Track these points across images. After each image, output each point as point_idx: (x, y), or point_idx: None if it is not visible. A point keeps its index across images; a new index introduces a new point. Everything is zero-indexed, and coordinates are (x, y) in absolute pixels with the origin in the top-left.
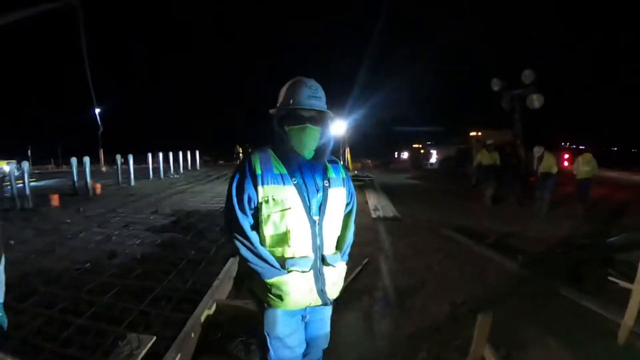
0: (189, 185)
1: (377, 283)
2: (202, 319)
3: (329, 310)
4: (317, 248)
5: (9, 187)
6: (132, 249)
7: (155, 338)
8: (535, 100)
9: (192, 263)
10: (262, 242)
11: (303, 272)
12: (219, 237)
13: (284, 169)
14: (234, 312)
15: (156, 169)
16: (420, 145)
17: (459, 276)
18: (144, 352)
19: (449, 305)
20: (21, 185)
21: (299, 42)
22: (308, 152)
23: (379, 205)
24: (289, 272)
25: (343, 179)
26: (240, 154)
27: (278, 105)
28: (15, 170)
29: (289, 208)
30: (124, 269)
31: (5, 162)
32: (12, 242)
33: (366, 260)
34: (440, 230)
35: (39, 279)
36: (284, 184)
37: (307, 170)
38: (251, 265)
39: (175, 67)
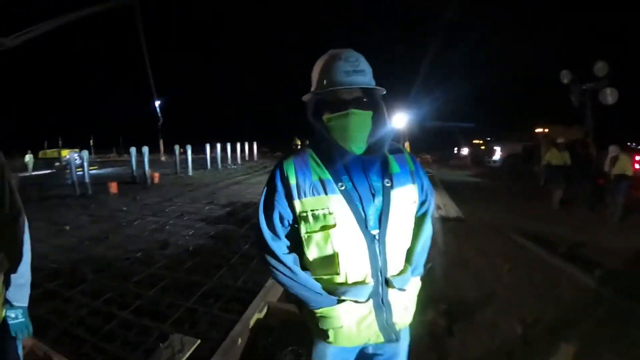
0: (246, 176)
1: (442, 293)
2: (252, 322)
3: (402, 345)
4: (379, 271)
5: (72, 174)
6: (185, 240)
7: (199, 342)
8: (609, 95)
9: (245, 258)
10: (306, 266)
11: (359, 302)
12: None
13: (327, 173)
14: (286, 317)
15: (214, 159)
16: (482, 141)
17: (530, 289)
18: (186, 356)
19: (520, 324)
20: (81, 172)
21: (363, 33)
22: (357, 146)
23: (440, 203)
24: (340, 301)
25: (412, 172)
26: (299, 146)
27: (312, 90)
28: (77, 159)
29: (334, 225)
30: (174, 260)
31: (68, 151)
32: (67, 227)
33: (429, 265)
34: (506, 234)
35: (89, 267)
36: (326, 193)
37: (358, 170)
38: (292, 292)
39: (235, 58)
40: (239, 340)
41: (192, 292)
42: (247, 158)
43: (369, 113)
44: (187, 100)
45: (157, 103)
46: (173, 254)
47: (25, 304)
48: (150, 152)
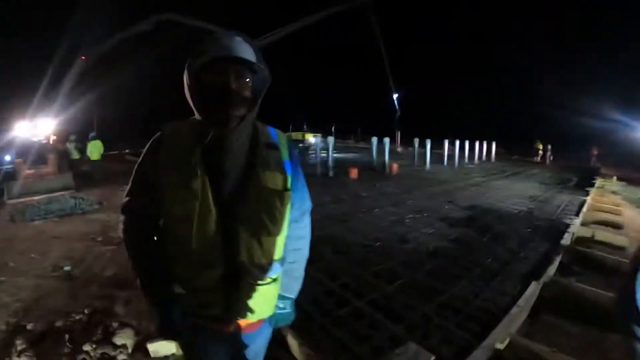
0: (484, 178)
1: None
2: (490, 352)
3: None
4: None
5: (314, 155)
6: (425, 238)
7: (433, 358)
8: None
9: (487, 272)
10: None
11: None
12: (518, 248)
13: None
14: (528, 357)
15: (450, 156)
16: None
17: None
18: None
19: None
20: (324, 155)
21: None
22: None
23: None
24: None
25: None
26: (540, 151)
27: None
28: (321, 143)
29: None
30: (414, 259)
31: (312, 134)
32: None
33: None
34: None
35: (329, 246)
36: None
37: None
38: None
39: (475, 54)
40: None
41: (430, 298)
42: (484, 158)
43: None
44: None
45: (395, 96)
46: (413, 251)
47: (295, 296)
48: (382, 141)
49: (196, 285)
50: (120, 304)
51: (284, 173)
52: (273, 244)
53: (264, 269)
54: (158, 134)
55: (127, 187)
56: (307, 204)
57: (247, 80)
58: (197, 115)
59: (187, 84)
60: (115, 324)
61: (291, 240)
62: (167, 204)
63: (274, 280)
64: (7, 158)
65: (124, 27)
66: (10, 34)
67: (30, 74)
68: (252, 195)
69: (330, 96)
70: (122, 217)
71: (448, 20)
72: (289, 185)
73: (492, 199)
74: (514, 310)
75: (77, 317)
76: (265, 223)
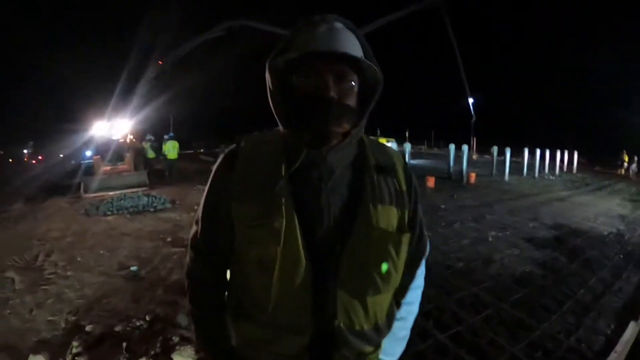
0: (568, 192)
1: None
2: None
3: None
4: None
5: None
6: (510, 261)
7: None
8: None
9: (580, 307)
10: None
11: None
12: (611, 278)
13: None
14: None
15: (530, 165)
16: None
17: None
18: None
19: None
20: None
21: None
22: None
23: None
24: None
25: None
26: (626, 163)
27: None
28: (396, 148)
29: None
30: (499, 285)
31: (386, 139)
32: None
33: None
34: None
35: None
36: None
37: None
38: None
39: (556, 56)
40: None
41: (518, 335)
42: (565, 169)
43: None
44: (503, 99)
45: (471, 101)
46: (498, 276)
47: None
48: (460, 148)
49: (274, 353)
50: (183, 313)
51: (401, 207)
52: (381, 304)
53: (365, 338)
54: (233, 146)
55: (196, 214)
56: (425, 246)
57: (352, 83)
58: (282, 129)
59: (270, 88)
60: (175, 338)
61: (401, 291)
62: (240, 245)
63: (376, 348)
64: (88, 153)
65: (200, 31)
66: (91, 39)
67: (109, 76)
68: (358, 239)
69: (403, 99)
70: (188, 254)
71: (526, 21)
72: (406, 223)
73: (578, 217)
74: (612, 356)
75: (138, 323)
76: (374, 279)
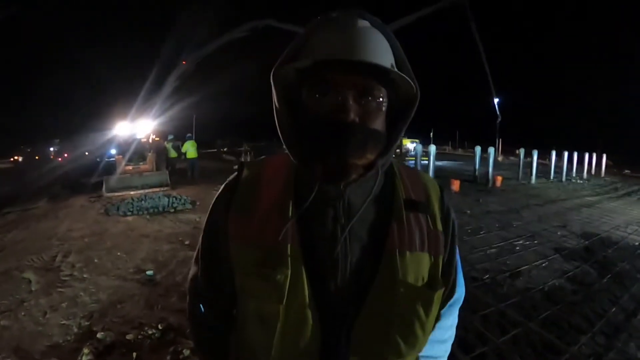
0: (597, 197)
1: None
2: None
3: None
4: None
5: (412, 162)
6: (538, 273)
7: None
8: None
9: (610, 326)
10: None
11: None
12: None
13: None
14: None
15: (558, 169)
16: None
17: None
18: None
19: None
20: (425, 162)
21: None
22: None
23: None
24: None
25: None
26: None
27: None
28: (420, 149)
29: None
30: (527, 301)
31: (409, 140)
32: None
33: None
34: None
35: None
36: None
37: None
38: None
39: (577, 56)
40: None
41: (544, 356)
42: (593, 172)
43: None
44: (529, 99)
45: (496, 101)
46: (525, 290)
47: None
48: (485, 150)
49: None
50: None
51: (435, 253)
52: None
53: None
54: (233, 175)
55: (195, 253)
56: (459, 291)
57: (380, 100)
58: (291, 157)
59: (275, 105)
60: (186, 351)
61: (427, 345)
62: (239, 294)
63: None
64: (113, 152)
65: (224, 32)
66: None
67: (134, 77)
68: (379, 297)
69: (428, 99)
70: (189, 297)
71: (554, 20)
72: (440, 273)
73: (608, 225)
74: None
75: (150, 332)
76: (396, 344)
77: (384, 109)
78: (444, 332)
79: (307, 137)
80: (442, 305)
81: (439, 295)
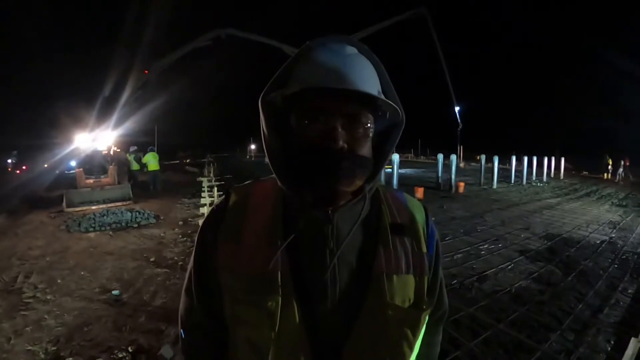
0: (557, 199)
1: None
2: None
3: None
4: None
5: None
6: (504, 276)
7: None
8: None
9: (578, 324)
10: None
11: None
12: (608, 290)
13: None
14: None
15: (518, 173)
16: None
17: None
18: None
19: None
20: (390, 170)
21: None
22: None
23: None
24: None
25: None
26: (610, 166)
27: None
28: None
29: None
30: (495, 303)
31: None
32: None
33: None
34: None
35: None
36: None
37: None
38: None
39: (533, 63)
40: None
41: (518, 359)
42: (552, 175)
43: None
44: (488, 106)
45: (457, 109)
46: (493, 293)
47: None
48: (447, 157)
49: None
50: (168, 344)
51: (419, 274)
52: None
53: None
54: (222, 199)
55: (185, 283)
56: (444, 307)
57: (367, 126)
58: (279, 182)
59: (263, 131)
60: None
61: None
62: (229, 321)
63: None
64: (73, 164)
65: (186, 41)
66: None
67: (93, 86)
68: (369, 321)
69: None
70: (183, 332)
71: (511, 29)
72: (425, 293)
73: (569, 225)
74: None
75: (120, 355)
76: None
77: (370, 134)
78: (433, 349)
79: (296, 164)
80: (431, 323)
81: (425, 315)
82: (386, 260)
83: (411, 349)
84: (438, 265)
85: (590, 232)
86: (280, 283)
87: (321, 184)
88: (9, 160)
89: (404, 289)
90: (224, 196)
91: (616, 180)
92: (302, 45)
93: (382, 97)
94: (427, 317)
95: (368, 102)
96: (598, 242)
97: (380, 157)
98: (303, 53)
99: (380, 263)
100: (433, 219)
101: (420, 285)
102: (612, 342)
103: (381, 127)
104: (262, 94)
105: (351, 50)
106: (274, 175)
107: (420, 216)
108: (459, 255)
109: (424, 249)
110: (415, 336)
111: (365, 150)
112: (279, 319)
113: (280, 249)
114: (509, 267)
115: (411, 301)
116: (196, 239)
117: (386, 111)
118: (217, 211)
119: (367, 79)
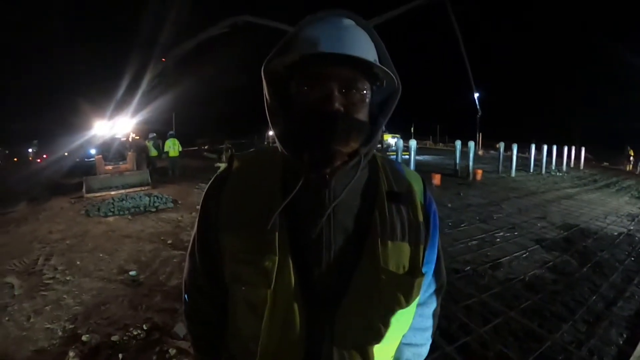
0: (575, 189)
1: None
2: None
3: None
4: None
5: (393, 157)
6: (519, 264)
7: None
8: None
9: (591, 315)
10: None
11: None
12: (623, 283)
13: None
14: None
15: (537, 162)
16: None
17: None
18: None
19: None
20: (406, 157)
21: None
22: None
23: None
24: None
25: None
26: (631, 158)
27: None
28: (401, 144)
29: None
30: (508, 291)
31: (390, 135)
32: None
33: None
34: None
35: None
36: None
37: None
38: None
39: (556, 52)
40: None
41: (527, 347)
42: (572, 165)
43: None
44: (508, 95)
45: (476, 95)
46: (506, 280)
47: None
48: (466, 144)
49: None
50: (181, 322)
51: (415, 243)
52: (386, 352)
53: None
54: (223, 168)
55: (189, 247)
56: (441, 280)
57: (363, 92)
58: (280, 147)
59: (266, 98)
60: (172, 350)
61: (408, 332)
62: (229, 282)
63: None
64: (93, 151)
65: (204, 28)
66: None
67: (112, 75)
68: (361, 284)
69: (408, 94)
70: (186, 294)
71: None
72: (421, 262)
73: (587, 216)
74: None
75: (135, 333)
76: (378, 329)
77: (367, 100)
78: (426, 320)
79: (296, 128)
80: (424, 293)
81: (419, 282)
82: (381, 226)
83: (404, 316)
84: (435, 235)
85: (608, 224)
86: (277, 243)
87: (317, 144)
88: (30, 150)
89: (398, 255)
90: (227, 164)
91: (637, 172)
92: (304, 18)
93: (378, 64)
94: (421, 286)
95: (365, 70)
96: (615, 234)
97: (376, 124)
98: (303, 24)
99: (375, 229)
100: (449, 205)
101: (415, 253)
102: (625, 336)
103: (381, 98)
104: (264, 63)
105: (349, 22)
106: (275, 145)
107: (417, 186)
108: (474, 242)
109: (420, 219)
110: (408, 303)
111: (362, 114)
112: (275, 278)
113: (278, 211)
114: (524, 255)
115: (405, 269)
116: (201, 203)
117: (383, 79)
118: (220, 178)
119: (364, 47)
